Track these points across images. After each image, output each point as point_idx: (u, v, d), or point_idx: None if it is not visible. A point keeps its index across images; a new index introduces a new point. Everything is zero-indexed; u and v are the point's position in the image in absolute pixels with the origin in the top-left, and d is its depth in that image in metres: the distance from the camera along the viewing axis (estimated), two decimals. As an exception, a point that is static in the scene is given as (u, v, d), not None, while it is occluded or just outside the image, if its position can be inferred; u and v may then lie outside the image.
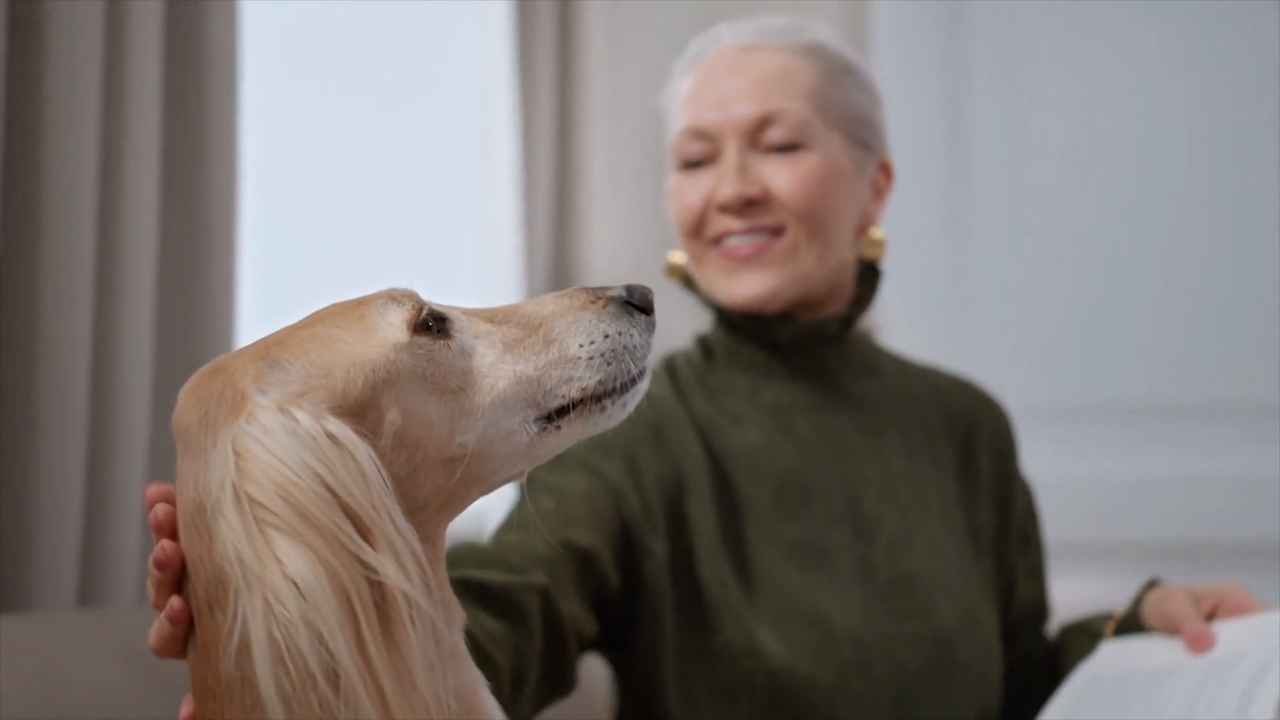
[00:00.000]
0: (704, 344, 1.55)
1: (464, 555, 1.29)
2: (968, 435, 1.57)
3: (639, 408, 1.45)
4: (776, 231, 1.45)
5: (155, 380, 1.61)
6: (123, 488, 1.53)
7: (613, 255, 2.48)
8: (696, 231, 1.48)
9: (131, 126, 1.53)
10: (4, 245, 1.43)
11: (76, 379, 1.46)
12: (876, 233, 1.53)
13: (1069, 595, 1.76)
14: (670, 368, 1.53)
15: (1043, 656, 1.57)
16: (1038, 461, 1.81)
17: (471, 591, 1.23)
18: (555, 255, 2.50)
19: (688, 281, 1.54)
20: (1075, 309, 2.75)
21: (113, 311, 1.53)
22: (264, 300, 1.99)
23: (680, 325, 1.84)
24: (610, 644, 1.44)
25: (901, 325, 2.58)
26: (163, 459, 1.60)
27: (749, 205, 1.44)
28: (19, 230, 1.44)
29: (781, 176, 1.44)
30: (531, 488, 1.40)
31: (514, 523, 1.34)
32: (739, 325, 1.50)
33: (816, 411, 1.50)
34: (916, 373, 1.60)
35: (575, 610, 1.32)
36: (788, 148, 1.45)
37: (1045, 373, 2.73)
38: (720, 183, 1.45)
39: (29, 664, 1.23)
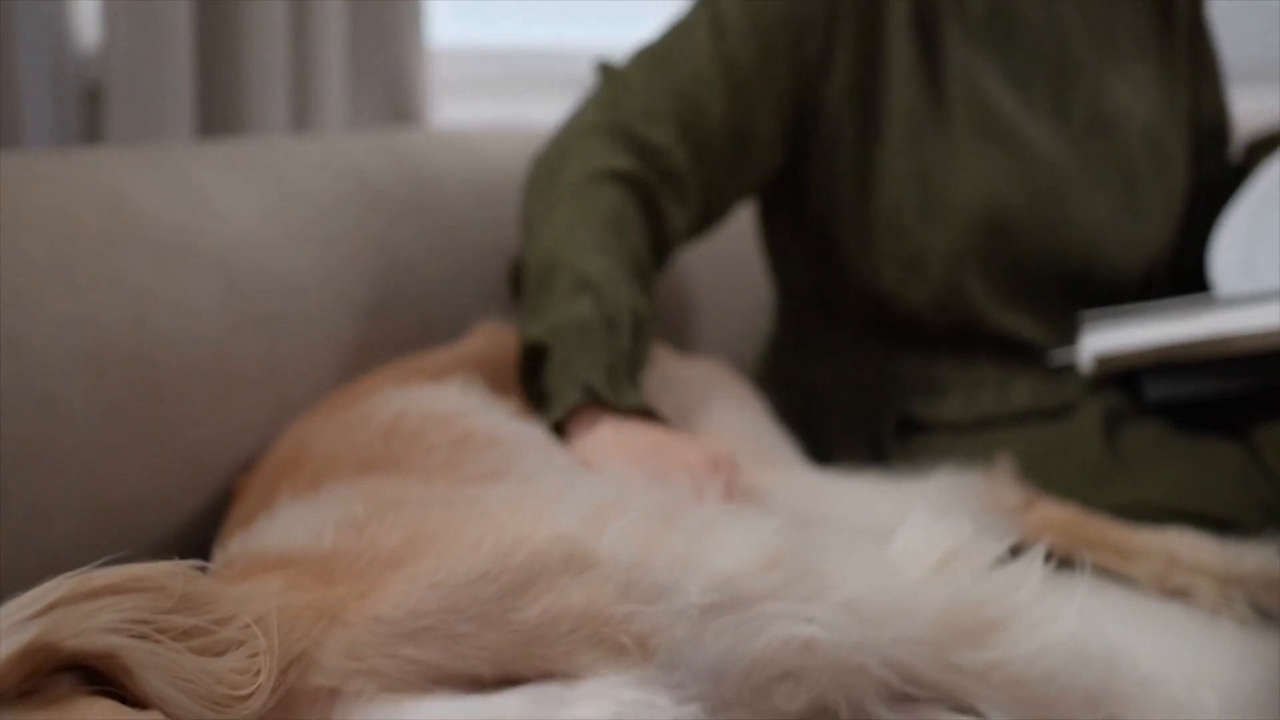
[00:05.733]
0: None
1: (625, 99, 1.36)
2: None
3: None
4: None
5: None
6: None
7: None
8: None
9: None
10: None
11: None
12: None
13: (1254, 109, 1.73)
14: None
15: (1228, 174, 1.59)
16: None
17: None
18: None
19: None
20: None
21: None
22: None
23: None
24: (775, 187, 1.48)
25: None
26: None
27: None
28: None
29: None
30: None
31: (671, 50, 1.40)
32: None
33: None
34: None
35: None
36: None
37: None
38: None
39: (257, 178, 1.34)
